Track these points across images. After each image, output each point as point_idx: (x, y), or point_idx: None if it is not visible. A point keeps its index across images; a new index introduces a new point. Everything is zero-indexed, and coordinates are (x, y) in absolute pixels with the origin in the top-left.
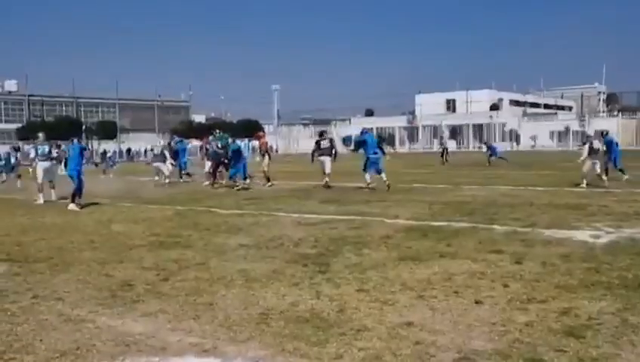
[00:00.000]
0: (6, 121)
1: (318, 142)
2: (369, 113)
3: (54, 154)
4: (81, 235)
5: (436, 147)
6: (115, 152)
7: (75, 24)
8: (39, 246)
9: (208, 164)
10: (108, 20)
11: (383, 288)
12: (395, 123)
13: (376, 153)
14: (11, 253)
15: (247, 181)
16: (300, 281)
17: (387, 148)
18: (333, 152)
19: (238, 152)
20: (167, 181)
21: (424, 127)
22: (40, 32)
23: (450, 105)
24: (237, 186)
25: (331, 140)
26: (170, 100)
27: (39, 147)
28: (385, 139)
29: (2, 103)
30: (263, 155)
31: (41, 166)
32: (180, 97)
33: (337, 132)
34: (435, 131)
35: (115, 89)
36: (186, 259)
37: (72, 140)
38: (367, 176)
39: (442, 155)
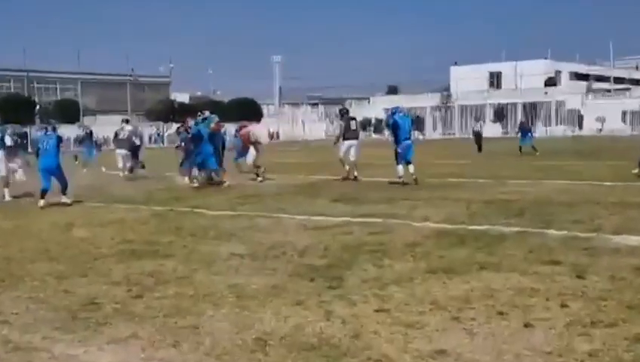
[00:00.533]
0: None
1: (348, 122)
2: (392, 91)
3: (9, 142)
4: (35, 242)
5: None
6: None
7: None
8: None
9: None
10: None
11: (408, 308)
12: (425, 102)
13: (408, 139)
14: None
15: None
16: (305, 299)
17: (414, 135)
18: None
19: (198, 138)
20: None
21: (461, 107)
22: None
23: (495, 80)
24: (194, 183)
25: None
26: (145, 76)
27: None
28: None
29: None
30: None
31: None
32: (159, 72)
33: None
34: (476, 112)
35: (77, 60)
36: (164, 271)
37: (47, 128)
38: (400, 168)
39: (477, 142)
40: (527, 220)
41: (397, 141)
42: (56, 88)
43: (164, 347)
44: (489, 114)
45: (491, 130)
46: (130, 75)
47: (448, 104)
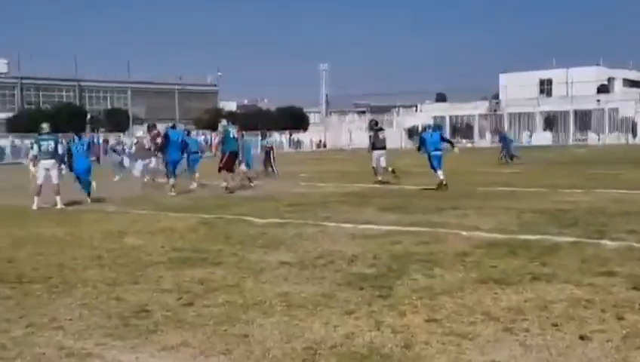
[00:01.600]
0: None
1: (377, 133)
2: (440, 98)
3: (61, 151)
4: (87, 250)
5: (525, 140)
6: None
7: None
8: (35, 263)
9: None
10: None
11: (459, 318)
12: (474, 110)
13: (438, 150)
14: (1, 272)
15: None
16: (355, 308)
17: (461, 142)
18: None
19: (174, 144)
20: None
21: (511, 114)
22: (34, 2)
23: (545, 87)
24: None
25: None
26: (193, 84)
27: (42, 142)
28: (459, 130)
29: None
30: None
31: (43, 165)
32: (206, 81)
33: (398, 122)
34: (526, 120)
35: (127, 70)
36: (214, 279)
37: (79, 136)
38: (440, 173)
39: (502, 151)
40: (581, 230)
41: (426, 152)
42: (106, 97)
43: (214, 355)
44: (539, 122)
45: (542, 138)
46: (179, 84)
47: (497, 112)
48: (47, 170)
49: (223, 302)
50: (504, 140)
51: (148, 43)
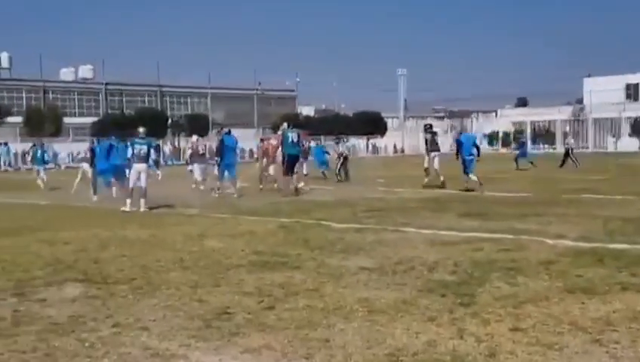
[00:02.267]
0: (79, 114)
1: (432, 137)
2: (521, 103)
3: (153, 155)
4: (169, 252)
5: (610, 146)
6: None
7: (158, 2)
8: (120, 264)
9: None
10: None
11: (545, 328)
12: (556, 115)
13: (471, 155)
14: (88, 272)
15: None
16: (437, 315)
17: (543, 148)
18: None
19: (229, 149)
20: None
21: (595, 120)
22: (119, 10)
23: (632, 92)
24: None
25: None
26: (272, 89)
27: (136, 145)
28: (541, 135)
29: (76, 94)
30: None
31: (136, 169)
32: (285, 85)
33: (477, 127)
34: (611, 125)
35: (207, 76)
36: (294, 283)
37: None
38: (472, 176)
39: (566, 156)
40: None
41: (461, 155)
42: (187, 102)
43: (296, 359)
44: (625, 127)
45: (628, 144)
46: (258, 89)
47: (581, 117)
48: (139, 173)
49: (303, 306)
50: (522, 146)
51: (228, 48)
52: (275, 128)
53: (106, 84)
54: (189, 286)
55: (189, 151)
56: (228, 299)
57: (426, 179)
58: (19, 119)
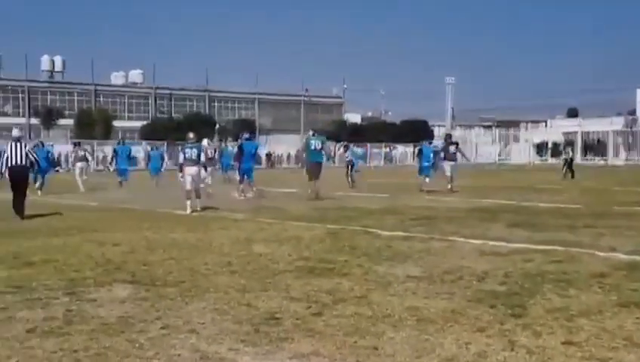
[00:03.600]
0: (129, 118)
1: (448, 146)
2: (572, 113)
3: (203, 158)
4: (217, 256)
5: None
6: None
7: (205, 6)
8: (168, 267)
9: None
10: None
11: (599, 342)
12: (607, 126)
13: (428, 162)
14: (137, 274)
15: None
16: (487, 326)
17: (593, 160)
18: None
19: (247, 154)
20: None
21: None
22: (168, 16)
23: None
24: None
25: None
26: (319, 96)
27: (187, 149)
28: (592, 146)
29: (126, 97)
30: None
31: (188, 171)
32: (332, 92)
33: (527, 137)
34: None
35: (255, 81)
36: (342, 290)
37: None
38: (427, 180)
39: (564, 167)
40: None
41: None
42: (234, 107)
43: None
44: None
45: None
46: (305, 96)
47: (633, 128)
48: (192, 176)
49: (351, 313)
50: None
51: (276, 54)
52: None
53: (156, 88)
54: (237, 290)
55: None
56: (276, 304)
57: (449, 186)
58: (70, 122)
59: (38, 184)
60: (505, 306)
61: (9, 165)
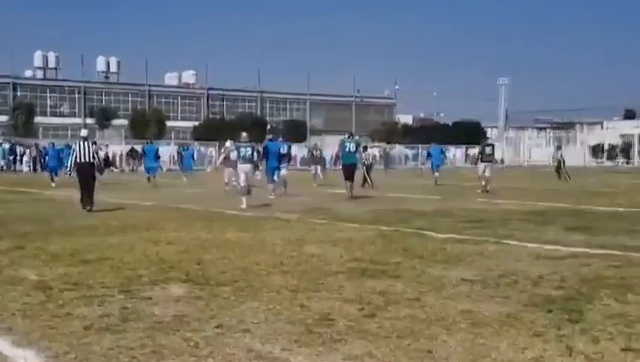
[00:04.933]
0: (182, 118)
1: (484, 148)
2: (630, 115)
3: (256, 157)
4: (269, 256)
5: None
6: (303, 157)
7: (258, 9)
8: (222, 266)
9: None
10: (293, 1)
11: None
12: None
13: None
14: (190, 273)
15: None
16: (543, 331)
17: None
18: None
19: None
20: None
21: None
22: (221, 18)
23: None
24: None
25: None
26: (370, 97)
27: (241, 148)
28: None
29: (179, 98)
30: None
31: (241, 169)
32: (384, 93)
33: (582, 139)
34: None
35: (307, 82)
36: (394, 292)
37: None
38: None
39: (558, 170)
40: None
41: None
42: (286, 108)
43: None
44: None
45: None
46: (356, 97)
47: None
48: (245, 173)
49: (405, 315)
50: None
51: (327, 55)
52: (373, 136)
53: (208, 89)
54: (290, 290)
55: (222, 156)
56: (329, 305)
57: (483, 185)
58: (125, 122)
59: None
60: (562, 311)
61: (78, 162)
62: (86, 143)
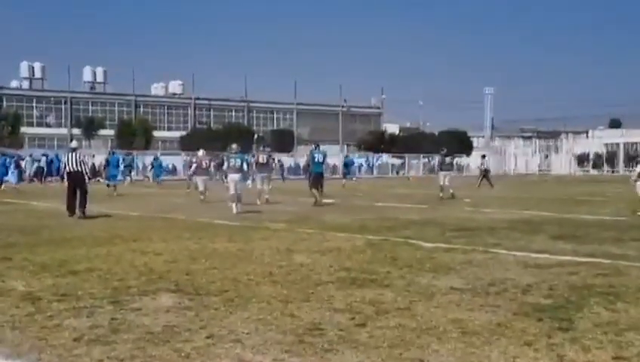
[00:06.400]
0: (168, 128)
1: (444, 158)
2: (615, 124)
3: (245, 167)
4: (258, 266)
5: None
6: (290, 167)
7: (244, 18)
8: (211, 276)
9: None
10: (280, 11)
11: None
12: None
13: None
14: (180, 283)
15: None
16: (534, 339)
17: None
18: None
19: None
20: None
21: None
22: (208, 28)
23: None
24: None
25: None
26: (357, 106)
27: (232, 158)
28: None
29: (165, 108)
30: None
31: (231, 178)
32: (370, 103)
33: (568, 148)
34: None
35: (293, 92)
36: (384, 301)
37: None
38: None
39: (481, 179)
40: None
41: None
42: (272, 118)
43: None
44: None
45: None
46: (343, 106)
47: None
48: (235, 182)
49: (395, 324)
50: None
51: (314, 64)
52: (359, 145)
53: (195, 98)
54: (280, 300)
55: (194, 165)
56: (319, 315)
57: (441, 194)
58: (111, 132)
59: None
60: (552, 319)
61: (68, 171)
62: (74, 154)
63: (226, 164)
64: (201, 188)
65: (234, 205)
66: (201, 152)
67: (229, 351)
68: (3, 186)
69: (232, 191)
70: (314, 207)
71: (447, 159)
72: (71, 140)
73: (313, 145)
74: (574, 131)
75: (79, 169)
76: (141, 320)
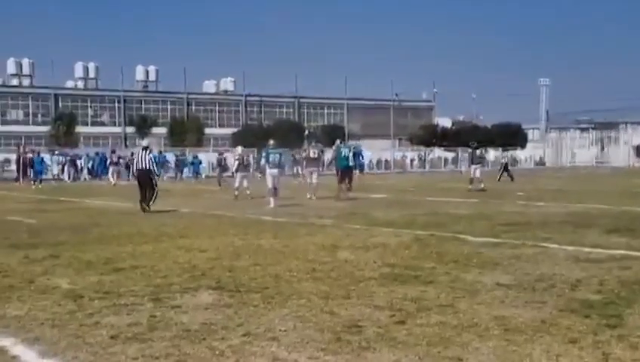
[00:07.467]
0: (220, 125)
1: (474, 151)
2: None
3: (284, 162)
4: (301, 262)
5: None
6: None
7: (294, 16)
8: (253, 273)
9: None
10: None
11: None
12: None
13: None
14: (222, 280)
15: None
16: (579, 337)
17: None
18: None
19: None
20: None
21: None
22: (258, 26)
23: None
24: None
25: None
26: (409, 100)
27: (270, 155)
28: None
29: (217, 105)
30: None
31: (270, 173)
32: (422, 97)
33: (626, 139)
34: None
35: (344, 87)
36: (427, 298)
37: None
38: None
39: (501, 172)
40: None
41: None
42: (323, 113)
43: None
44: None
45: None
46: (394, 101)
47: None
48: (273, 176)
49: (436, 322)
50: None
51: (365, 59)
52: (411, 139)
53: (246, 95)
54: (320, 297)
55: (236, 163)
56: (359, 312)
57: (470, 186)
58: (163, 130)
59: (36, 183)
60: (600, 316)
61: (138, 168)
62: (144, 152)
63: (263, 159)
64: (237, 184)
65: (272, 199)
66: (240, 149)
67: (264, 349)
68: (39, 184)
69: (270, 185)
70: (361, 203)
71: (478, 152)
72: (125, 139)
73: (338, 141)
74: (633, 122)
75: (147, 167)
76: (180, 317)
